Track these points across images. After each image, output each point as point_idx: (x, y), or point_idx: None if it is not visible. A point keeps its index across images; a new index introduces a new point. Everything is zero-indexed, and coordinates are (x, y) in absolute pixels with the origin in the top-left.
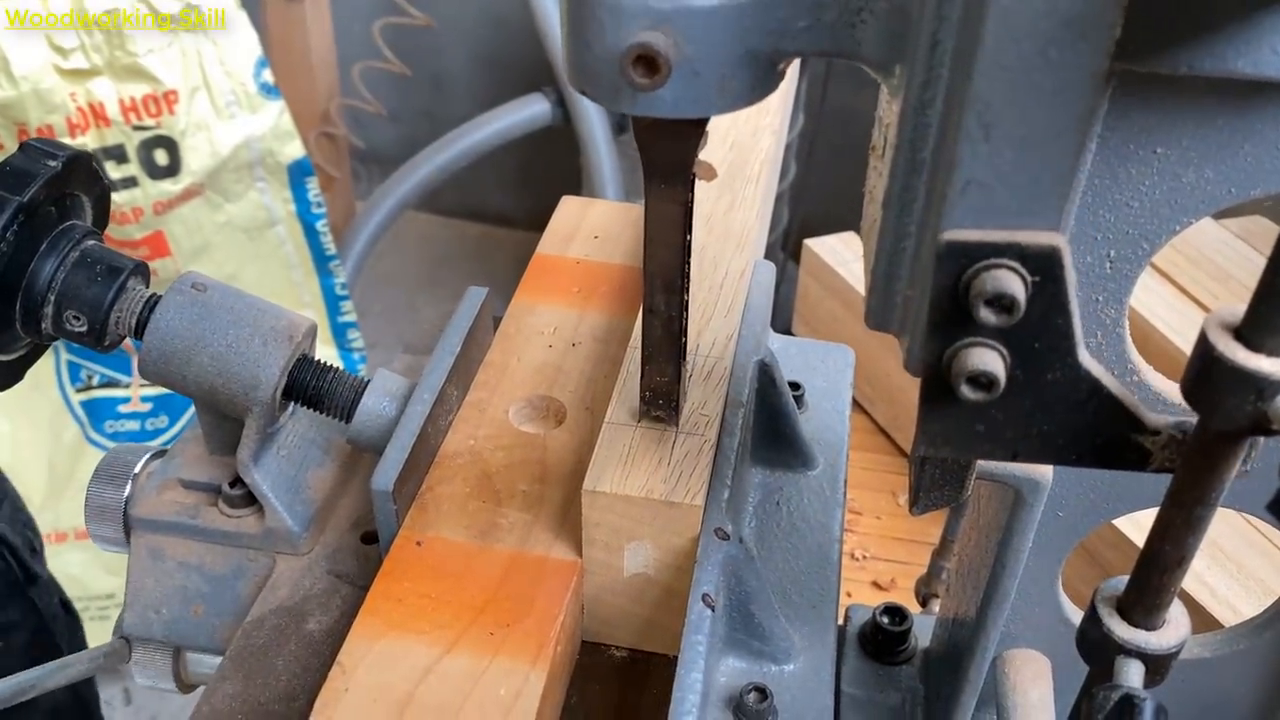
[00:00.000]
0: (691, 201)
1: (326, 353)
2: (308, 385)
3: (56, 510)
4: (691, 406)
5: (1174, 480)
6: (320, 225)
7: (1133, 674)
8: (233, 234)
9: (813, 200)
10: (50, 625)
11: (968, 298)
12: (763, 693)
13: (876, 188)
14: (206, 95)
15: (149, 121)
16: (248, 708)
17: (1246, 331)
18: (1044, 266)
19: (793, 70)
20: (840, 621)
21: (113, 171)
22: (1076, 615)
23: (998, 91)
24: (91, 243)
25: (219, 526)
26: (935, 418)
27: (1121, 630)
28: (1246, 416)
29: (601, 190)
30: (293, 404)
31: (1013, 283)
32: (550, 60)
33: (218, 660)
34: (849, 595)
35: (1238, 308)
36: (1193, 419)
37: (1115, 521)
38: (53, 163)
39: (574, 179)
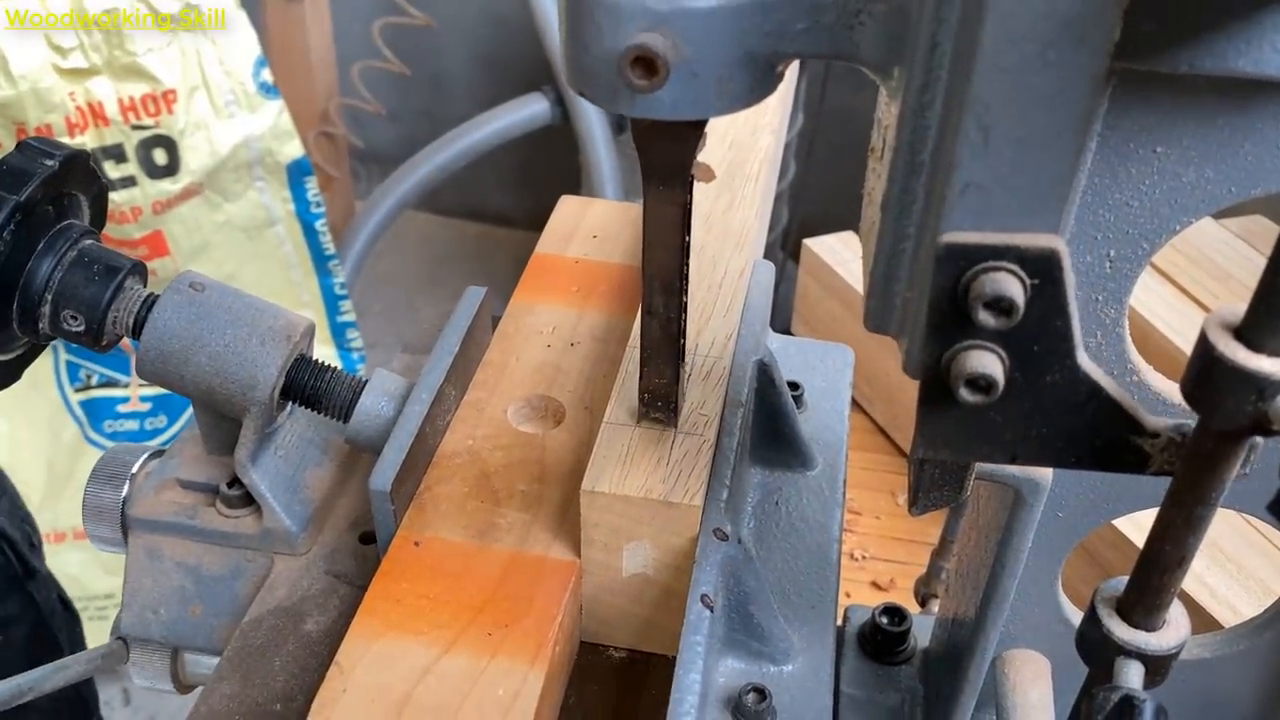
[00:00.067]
0: (690, 203)
1: (325, 352)
2: (306, 385)
3: (55, 510)
4: (690, 406)
5: (1174, 480)
6: (319, 225)
7: (1132, 675)
8: (232, 234)
9: (812, 200)
10: (49, 620)
11: (966, 300)
12: (761, 693)
13: (875, 190)
14: (205, 95)
15: (148, 121)
16: (245, 708)
17: (1247, 331)
18: (1043, 269)
19: (792, 70)
20: (839, 622)
21: (112, 171)
22: (1076, 615)
23: (997, 94)
24: (89, 242)
25: (217, 527)
26: (934, 420)
27: (1121, 631)
28: (1247, 417)
29: (601, 190)
30: (291, 404)
31: (1011, 285)
32: (549, 60)
33: (215, 661)
34: (848, 595)
35: (1238, 308)
36: (1191, 421)
37: (1115, 521)
38: (50, 162)
39: (573, 178)
